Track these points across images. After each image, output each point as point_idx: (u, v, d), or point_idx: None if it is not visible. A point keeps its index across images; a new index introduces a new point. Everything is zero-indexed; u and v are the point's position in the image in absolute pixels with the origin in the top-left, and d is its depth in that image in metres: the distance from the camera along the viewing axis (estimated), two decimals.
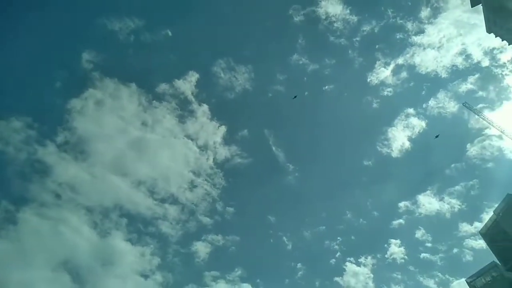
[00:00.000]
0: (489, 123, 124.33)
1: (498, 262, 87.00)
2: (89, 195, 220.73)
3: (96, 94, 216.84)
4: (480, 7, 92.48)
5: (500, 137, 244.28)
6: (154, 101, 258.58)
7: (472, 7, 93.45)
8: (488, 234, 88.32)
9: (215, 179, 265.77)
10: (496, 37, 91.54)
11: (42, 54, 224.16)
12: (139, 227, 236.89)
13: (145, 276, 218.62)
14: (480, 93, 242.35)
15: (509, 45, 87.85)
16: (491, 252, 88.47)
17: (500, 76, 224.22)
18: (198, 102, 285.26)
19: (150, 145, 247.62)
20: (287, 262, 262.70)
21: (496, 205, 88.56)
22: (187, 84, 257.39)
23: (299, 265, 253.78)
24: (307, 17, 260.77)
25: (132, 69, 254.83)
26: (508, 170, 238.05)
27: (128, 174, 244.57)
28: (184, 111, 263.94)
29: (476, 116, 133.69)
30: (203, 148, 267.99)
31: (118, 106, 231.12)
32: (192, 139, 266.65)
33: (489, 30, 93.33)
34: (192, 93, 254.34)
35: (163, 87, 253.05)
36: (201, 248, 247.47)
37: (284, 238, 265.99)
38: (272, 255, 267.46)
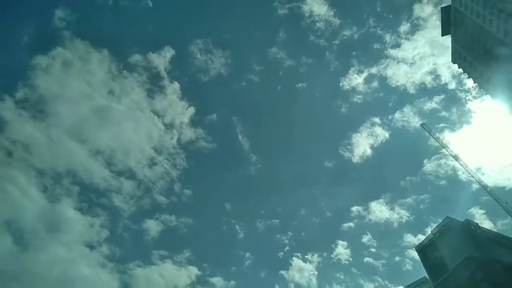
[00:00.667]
0: (443, 146, 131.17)
1: (428, 277, 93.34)
2: (43, 157, 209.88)
3: (65, 54, 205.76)
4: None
5: (456, 158, 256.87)
6: (125, 71, 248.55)
7: (442, 35, 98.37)
8: (422, 250, 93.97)
9: (177, 159, 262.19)
10: (459, 68, 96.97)
11: (13, 5, 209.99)
12: (91, 197, 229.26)
13: (91, 247, 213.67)
14: (444, 113, 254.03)
15: (468, 77, 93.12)
16: (423, 267, 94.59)
17: (464, 100, 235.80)
18: (170, 79, 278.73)
19: (114, 115, 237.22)
20: (236, 250, 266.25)
21: (440, 221, 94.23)
22: (161, 59, 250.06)
23: (247, 254, 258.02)
24: (291, 12, 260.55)
25: (106, 34, 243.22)
26: (458, 190, 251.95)
27: (87, 142, 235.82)
28: (154, 86, 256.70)
29: (433, 137, 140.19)
30: (169, 126, 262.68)
31: (86, 70, 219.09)
32: (158, 116, 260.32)
33: (454, 61, 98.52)
34: (165, 69, 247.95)
35: (136, 58, 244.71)
36: (153, 227, 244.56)
37: (237, 227, 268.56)
38: (222, 242, 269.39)
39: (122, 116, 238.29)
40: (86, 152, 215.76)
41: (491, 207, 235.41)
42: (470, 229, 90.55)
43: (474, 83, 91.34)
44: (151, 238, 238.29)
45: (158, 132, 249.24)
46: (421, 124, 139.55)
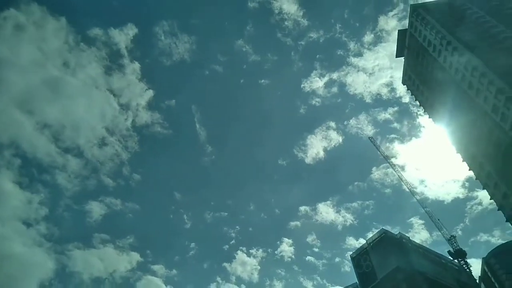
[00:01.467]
0: (387, 161, 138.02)
1: (358, 284, 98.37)
2: None
3: (19, 17, 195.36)
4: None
5: (402, 168, 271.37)
6: (83, 44, 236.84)
7: (396, 57, 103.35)
8: (356, 258, 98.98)
9: (129, 142, 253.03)
10: (407, 90, 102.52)
11: None
12: (32, 172, 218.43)
13: (28, 224, 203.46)
14: (395, 124, 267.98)
15: (415, 100, 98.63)
16: (355, 274, 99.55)
17: (415, 114, 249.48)
18: (130, 58, 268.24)
19: (67, 89, 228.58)
20: (182, 239, 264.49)
21: (382, 228, 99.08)
22: (123, 36, 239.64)
23: (192, 244, 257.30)
24: (261, 6, 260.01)
25: (66, 2, 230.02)
26: (401, 199, 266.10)
27: (35, 113, 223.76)
28: (113, 63, 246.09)
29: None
30: (125, 107, 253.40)
31: (41, 37, 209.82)
32: (114, 95, 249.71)
33: (403, 82, 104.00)
34: (126, 47, 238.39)
35: (96, 31, 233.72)
36: (96, 209, 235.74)
37: (185, 216, 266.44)
38: (168, 230, 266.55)
39: (75, 91, 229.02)
40: (33, 125, 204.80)
41: (429, 219, 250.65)
42: (402, 242, 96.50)
43: (419, 106, 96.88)
44: (93, 221, 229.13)
45: (112, 111, 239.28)
46: (369, 138, 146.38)
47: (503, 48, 68.63)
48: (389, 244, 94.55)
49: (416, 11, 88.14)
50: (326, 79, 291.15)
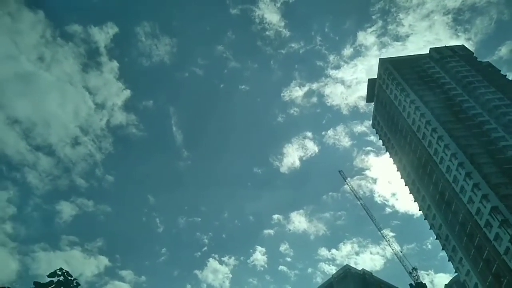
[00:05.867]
0: (354, 194, 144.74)
1: None
2: None
3: None
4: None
5: (374, 181, 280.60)
6: (60, 39, 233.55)
7: (366, 102, 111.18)
8: None
9: (103, 142, 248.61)
10: (376, 133, 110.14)
11: None
12: (1, 169, 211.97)
13: None
14: (372, 137, 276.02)
15: (382, 145, 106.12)
16: None
17: None
18: (109, 57, 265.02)
19: (40, 84, 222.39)
20: (153, 244, 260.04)
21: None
22: (103, 35, 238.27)
23: (164, 250, 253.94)
24: (243, 14, 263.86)
25: None
26: (373, 211, 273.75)
27: (5, 108, 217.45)
28: (91, 60, 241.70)
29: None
30: (100, 106, 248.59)
31: (16, 29, 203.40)
32: (90, 93, 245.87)
33: (373, 126, 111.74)
34: (105, 46, 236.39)
35: (75, 28, 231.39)
36: (66, 210, 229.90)
37: (157, 220, 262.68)
38: (140, 234, 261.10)
39: (49, 86, 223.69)
40: (3, 119, 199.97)
41: (401, 231, 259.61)
42: (365, 277, 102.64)
43: (385, 151, 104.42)
44: (62, 222, 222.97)
45: (87, 110, 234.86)
46: (339, 171, 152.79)
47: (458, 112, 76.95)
48: (352, 279, 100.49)
49: (384, 65, 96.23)
50: (305, 89, 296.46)
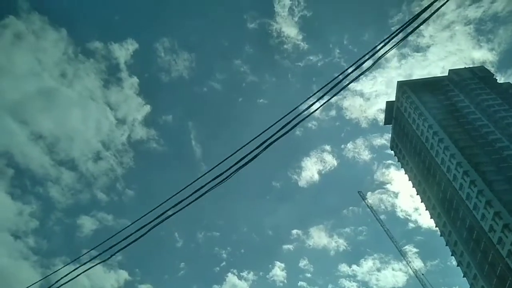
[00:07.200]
0: (373, 213, 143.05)
1: None
2: None
3: (18, 25, 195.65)
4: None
5: (396, 196, 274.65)
6: (82, 56, 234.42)
7: (384, 124, 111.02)
8: None
9: (124, 157, 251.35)
10: (394, 155, 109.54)
11: None
12: (25, 183, 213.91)
13: (16, 237, 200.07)
14: (392, 151, 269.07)
15: (401, 167, 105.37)
16: None
17: None
18: (129, 72, 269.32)
19: (63, 100, 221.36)
20: (172, 258, 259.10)
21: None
22: (123, 51, 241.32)
23: (182, 264, 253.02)
24: (260, 28, 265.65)
25: (68, 14, 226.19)
26: (395, 226, 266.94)
27: (29, 124, 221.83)
28: (111, 76, 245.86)
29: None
30: (121, 121, 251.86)
31: (40, 47, 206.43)
32: (112, 108, 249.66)
33: (391, 148, 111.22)
34: (125, 62, 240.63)
35: (96, 44, 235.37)
36: (87, 224, 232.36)
37: (176, 234, 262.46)
38: (158, 248, 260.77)
39: (72, 102, 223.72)
40: (27, 135, 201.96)
41: (424, 247, 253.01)
42: None
43: (405, 173, 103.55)
44: (83, 236, 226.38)
45: (109, 125, 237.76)
46: (358, 192, 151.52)
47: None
48: None
49: (402, 88, 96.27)
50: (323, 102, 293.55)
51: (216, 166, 8.80)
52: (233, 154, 8.84)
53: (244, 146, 8.66)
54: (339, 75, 8.61)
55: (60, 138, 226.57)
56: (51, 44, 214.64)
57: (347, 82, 8.51)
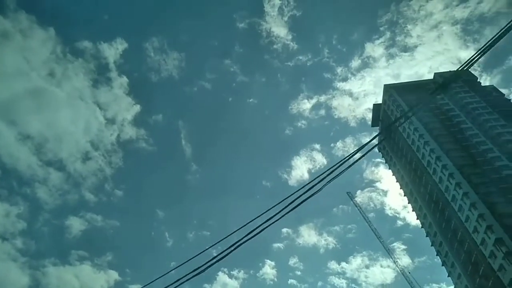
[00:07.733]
0: (363, 215, 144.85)
1: None
2: None
3: (5, 24, 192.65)
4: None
5: (385, 194, 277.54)
6: (70, 55, 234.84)
7: (371, 126, 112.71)
8: None
9: (113, 157, 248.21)
10: (382, 157, 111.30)
11: None
12: (12, 184, 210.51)
13: (3, 238, 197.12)
14: (380, 152, 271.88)
15: (388, 168, 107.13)
16: None
17: None
18: (118, 72, 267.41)
19: (51, 100, 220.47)
20: (162, 258, 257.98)
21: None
22: (112, 50, 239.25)
23: (173, 264, 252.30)
24: (250, 27, 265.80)
25: (57, 13, 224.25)
26: (382, 223, 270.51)
27: (17, 124, 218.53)
28: (101, 76, 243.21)
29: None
30: (111, 121, 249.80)
31: (27, 46, 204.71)
32: (101, 108, 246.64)
33: (379, 149, 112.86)
34: (114, 62, 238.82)
35: (85, 44, 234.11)
36: (76, 224, 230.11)
37: (167, 234, 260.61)
38: (149, 248, 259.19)
39: (60, 102, 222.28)
40: (14, 135, 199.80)
41: (412, 244, 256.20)
42: None
43: (392, 175, 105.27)
44: (72, 237, 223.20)
45: (98, 125, 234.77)
46: (347, 193, 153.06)
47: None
48: None
49: (388, 91, 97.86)
50: (313, 101, 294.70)
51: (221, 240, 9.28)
52: (235, 231, 9.32)
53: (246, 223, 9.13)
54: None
55: (48, 138, 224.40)
56: (39, 44, 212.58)
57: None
